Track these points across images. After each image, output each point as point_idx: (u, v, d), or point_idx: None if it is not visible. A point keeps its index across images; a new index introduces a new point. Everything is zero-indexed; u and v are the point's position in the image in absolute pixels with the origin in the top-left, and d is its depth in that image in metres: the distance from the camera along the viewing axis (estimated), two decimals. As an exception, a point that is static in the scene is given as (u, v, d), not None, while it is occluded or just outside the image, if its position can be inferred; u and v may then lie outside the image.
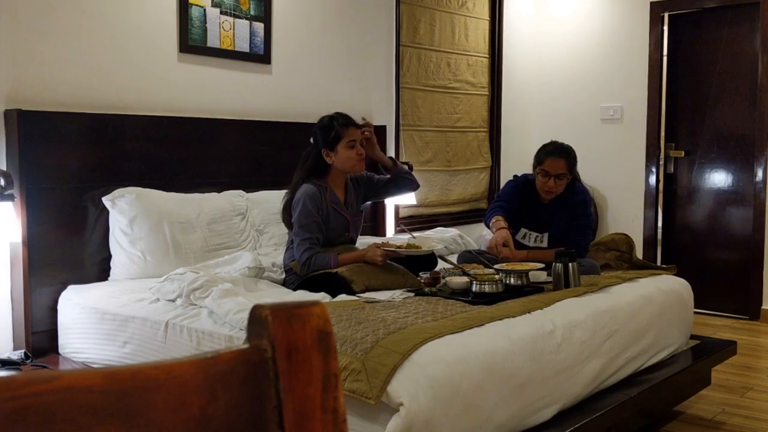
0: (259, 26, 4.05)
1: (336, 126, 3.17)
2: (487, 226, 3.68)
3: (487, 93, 5.77)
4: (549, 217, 3.56)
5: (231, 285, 2.82)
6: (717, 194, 5.42)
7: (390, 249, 3.08)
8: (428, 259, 3.28)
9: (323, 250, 3.10)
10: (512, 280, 2.95)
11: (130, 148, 3.45)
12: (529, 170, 3.70)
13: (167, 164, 3.58)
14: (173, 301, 2.84)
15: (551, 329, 2.51)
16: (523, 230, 3.60)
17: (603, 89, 5.79)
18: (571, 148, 3.56)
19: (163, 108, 3.64)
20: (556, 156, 3.47)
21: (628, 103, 5.69)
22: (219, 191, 3.69)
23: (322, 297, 2.88)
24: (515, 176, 3.75)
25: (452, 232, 4.38)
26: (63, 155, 3.19)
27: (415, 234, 3.52)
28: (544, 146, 3.57)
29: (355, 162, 3.20)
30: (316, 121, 3.27)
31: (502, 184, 4.47)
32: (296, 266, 3.10)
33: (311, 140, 3.25)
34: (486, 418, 2.17)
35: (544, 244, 3.54)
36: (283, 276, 3.25)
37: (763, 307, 5.14)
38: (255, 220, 3.71)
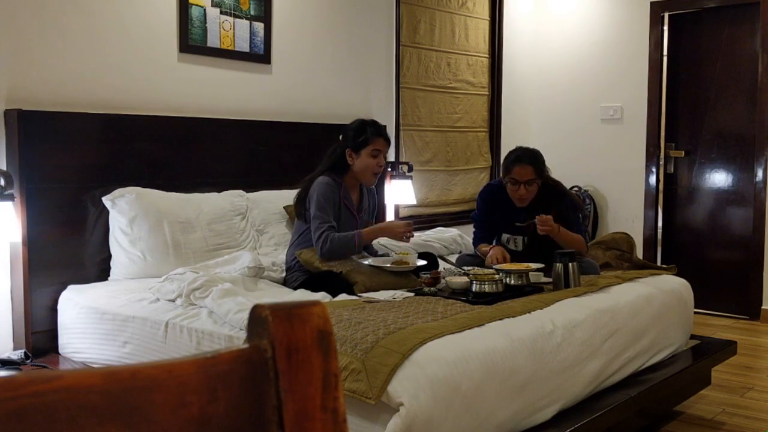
0: (259, 26, 4.05)
1: (368, 131, 3.26)
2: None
3: (487, 93, 5.77)
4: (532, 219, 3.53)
5: (231, 285, 2.82)
6: (717, 194, 5.42)
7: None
8: (429, 260, 3.28)
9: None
10: (512, 280, 2.95)
11: (130, 147, 3.45)
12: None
13: (167, 164, 3.58)
14: (173, 301, 2.85)
15: (551, 329, 2.51)
16: (505, 235, 3.55)
17: (603, 89, 5.79)
18: (537, 152, 3.47)
19: (163, 108, 3.64)
20: (523, 163, 3.40)
21: (628, 103, 5.68)
22: (219, 191, 3.69)
23: (322, 297, 2.88)
24: (489, 184, 3.70)
25: (452, 232, 4.38)
26: (63, 155, 3.19)
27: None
28: (510, 153, 3.49)
29: (372, 171, 3.27)
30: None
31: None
32: (304, 258, 3.11)
33: (340, 137, 3.34)
34: (486, 418, 2.17)
35: (534, 247, 3.50)
36: (284, 275, 3.26)
37: (763, 307, 5.13)
38: (255, 220, 3.71)
